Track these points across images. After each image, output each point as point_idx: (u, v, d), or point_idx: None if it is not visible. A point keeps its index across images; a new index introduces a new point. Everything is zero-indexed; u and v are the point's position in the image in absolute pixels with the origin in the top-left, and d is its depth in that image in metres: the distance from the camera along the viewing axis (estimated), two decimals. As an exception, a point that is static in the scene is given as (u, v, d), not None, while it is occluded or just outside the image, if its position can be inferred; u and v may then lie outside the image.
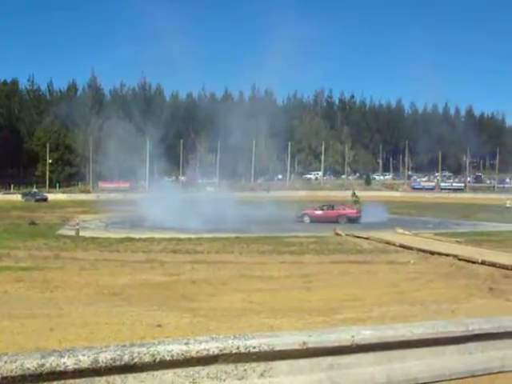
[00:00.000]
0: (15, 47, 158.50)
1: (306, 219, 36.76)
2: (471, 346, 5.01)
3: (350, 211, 37.32)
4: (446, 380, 4.81)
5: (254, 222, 31.00)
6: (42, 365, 3.45)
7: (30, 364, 3.42)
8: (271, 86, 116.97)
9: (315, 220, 35.89)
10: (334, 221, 33.92)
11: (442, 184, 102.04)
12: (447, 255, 18.32)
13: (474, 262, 16.76)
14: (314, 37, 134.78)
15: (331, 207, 38.02)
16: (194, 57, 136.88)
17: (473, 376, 4.98)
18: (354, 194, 45.36)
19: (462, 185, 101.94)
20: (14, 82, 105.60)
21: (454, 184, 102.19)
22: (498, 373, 5.15)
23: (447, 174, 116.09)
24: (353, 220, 35.57)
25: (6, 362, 3.38)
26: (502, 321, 5.44)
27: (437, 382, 4.76)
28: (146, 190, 46.69)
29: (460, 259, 17.50)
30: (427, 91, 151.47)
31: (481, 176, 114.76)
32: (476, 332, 4.99)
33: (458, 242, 22.89)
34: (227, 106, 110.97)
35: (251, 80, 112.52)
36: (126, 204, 44.45)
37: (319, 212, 37.38)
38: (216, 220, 32.06)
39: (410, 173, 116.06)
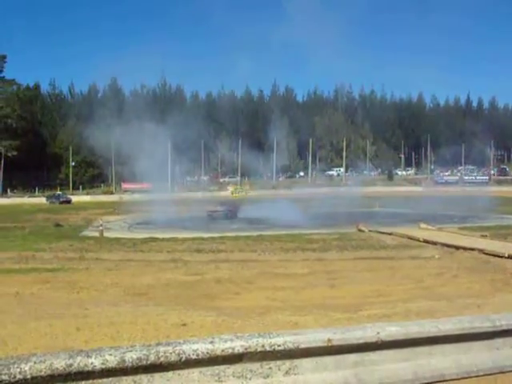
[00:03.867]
0: (35, 52, 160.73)
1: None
2: (499, 341, 4.94)
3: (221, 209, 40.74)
4: (474, 376, 4.76)
5: None
6: (70, 365, 3.49)
7: (59, 364, 3.47)
8: (291, 84, 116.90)
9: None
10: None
11: (466, 177, 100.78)
12: (472, 249, 18.08)
13: (500, 257, 16.52)
14: (333, 32, 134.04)
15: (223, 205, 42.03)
16: (213, 56, 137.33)
17: (502, 372, 4.91)
18: (235, 191, 47.12)
19: (487, 178, 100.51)
20: (36, 87, 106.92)
21: (478, 177, 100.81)
22: (527, 368, 5.07)
23: (470, 167, 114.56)
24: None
25: (35, 363, 3.43)
26: (530, 316, 5.35)
27: (464, 378, 4.71)
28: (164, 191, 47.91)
29: (485, 253, 17.27)
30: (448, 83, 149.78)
31: (506, 168, 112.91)
32: (504, 327, 4.92)
33: (483, 236, 22.60)
34: (248, 105, 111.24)
35: (271, 78, 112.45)
36: (148, 205, 44.76)
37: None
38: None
39: (432, 167, 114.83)
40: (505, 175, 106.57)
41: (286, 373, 4.13)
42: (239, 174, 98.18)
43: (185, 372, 3.85)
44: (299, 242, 22.63)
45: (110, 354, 3.63)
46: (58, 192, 78.72)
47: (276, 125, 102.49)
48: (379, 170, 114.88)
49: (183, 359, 3.79)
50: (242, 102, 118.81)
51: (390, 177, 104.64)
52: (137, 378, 3.71)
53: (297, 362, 4.16)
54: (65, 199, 69.61)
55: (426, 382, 4.56)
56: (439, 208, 42.17)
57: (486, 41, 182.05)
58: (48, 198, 71.44)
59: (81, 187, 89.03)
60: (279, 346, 4.06)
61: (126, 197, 68.54)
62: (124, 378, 3.67)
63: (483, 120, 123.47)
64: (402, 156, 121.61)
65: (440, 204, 44.51)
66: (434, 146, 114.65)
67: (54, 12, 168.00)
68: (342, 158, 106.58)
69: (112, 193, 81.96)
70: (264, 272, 15.13)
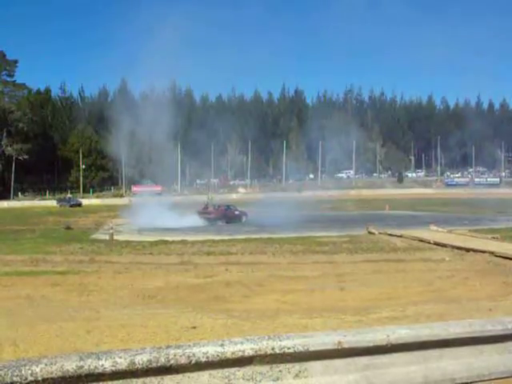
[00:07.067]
0: (46, 56, 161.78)
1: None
2: (511, 345, 4.90)
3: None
4: (486, 380, 4.72)
5: None
6: (81, 367, 3.50)
7: (70, 366, 3.48)
8: (301, 86, 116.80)
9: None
10: None
11: (477, 179, 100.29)
12: (483, 252, 17.96)
13: (511, 259, 16.42)
14: (343, 35, 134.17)
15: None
16: (223, 58, 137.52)
17: (514, 376, 4.86)
18: (211, 197, 47.98)
19: (497, 180, 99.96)
20: (47, 91, 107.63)
21: (489, 179, 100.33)
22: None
23: (481, 169, 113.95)
24: None
25: (46, 365, 3.44)
26: (542, 318, 5.30)
27: (476, 381, 4.68)
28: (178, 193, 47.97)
29: (497, 256, 17.15)
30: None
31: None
32: (515, 330, 4.87)
33: (494, 238, 22.47)
34: (257, 107, 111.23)
35: (281, 80, 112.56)
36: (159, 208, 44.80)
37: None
38: None
39: (442, 169, 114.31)
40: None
41: (296, 376, 4.12)
42: (248, 177, 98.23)
43: (195, 375, 3.84)
44: (309, 244, 22.58)
45: (120, 357, 3.63)
46: (69, 195, 79.15)
47: (285, 127, 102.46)
48: (389, 172, 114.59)
49: (193, 362, 3.79)
50: (251, 104, 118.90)
51: (400, 179, 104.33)
52: (147, 380, 3.71)
53: (307, 364, 4.15)
54: (75, 202, 69.98)
55: (437, 385, 4.53)
56: (449, 210, 41.94)
57: (497, 42, 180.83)
58: (58, 201, 71.85)
59: (91, 190, 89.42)
60: (289, 348, 4.04)
61: (136, 200, 68.64)
62: (134, 380, 3.68)
63: (494, 122, 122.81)
64: (412, 158, 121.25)
65: (450, 206, 44.27)
66: (444, 147, 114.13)
67: (63, 17, 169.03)
68: (351, 160, 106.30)
69: (122, 196, 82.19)
70: (274, 274, 15.11)
